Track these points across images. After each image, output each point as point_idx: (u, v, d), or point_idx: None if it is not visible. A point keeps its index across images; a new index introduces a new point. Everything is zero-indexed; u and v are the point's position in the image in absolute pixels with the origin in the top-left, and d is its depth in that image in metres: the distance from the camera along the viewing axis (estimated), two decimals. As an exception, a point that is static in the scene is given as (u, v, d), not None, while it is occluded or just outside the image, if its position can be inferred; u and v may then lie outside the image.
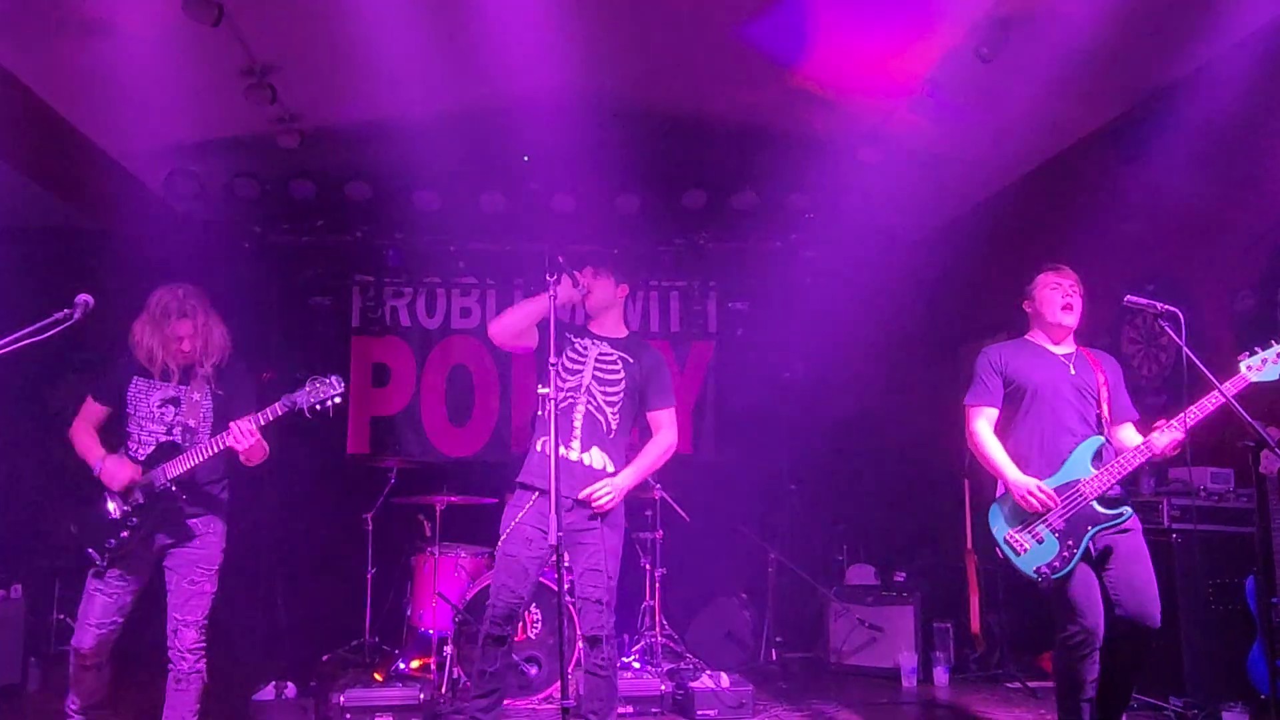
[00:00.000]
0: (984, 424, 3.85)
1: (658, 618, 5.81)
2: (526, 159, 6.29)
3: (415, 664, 5.63)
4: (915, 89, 5.26)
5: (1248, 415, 3.28)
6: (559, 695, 3.43)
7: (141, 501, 3.63)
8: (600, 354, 3.91)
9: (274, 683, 4.61)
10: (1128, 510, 3.63)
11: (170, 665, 3.68)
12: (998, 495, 3.79)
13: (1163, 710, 4.52)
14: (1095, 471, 3.62)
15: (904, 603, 5.96)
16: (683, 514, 5.95)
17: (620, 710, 4.58)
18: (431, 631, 5.43)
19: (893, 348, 7.27)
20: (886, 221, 6.98)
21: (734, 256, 7.35)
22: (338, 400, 3.68)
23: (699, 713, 4.79)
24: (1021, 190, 6.53)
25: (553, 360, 3.55)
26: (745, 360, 7.50)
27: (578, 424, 3.81)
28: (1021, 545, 3.63)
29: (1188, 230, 5.20)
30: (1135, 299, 3.54)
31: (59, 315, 3.03)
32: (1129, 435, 3.79)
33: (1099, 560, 3.60)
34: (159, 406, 3.76)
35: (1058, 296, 3.84)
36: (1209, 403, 3.45)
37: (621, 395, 3.89)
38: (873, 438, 7.43)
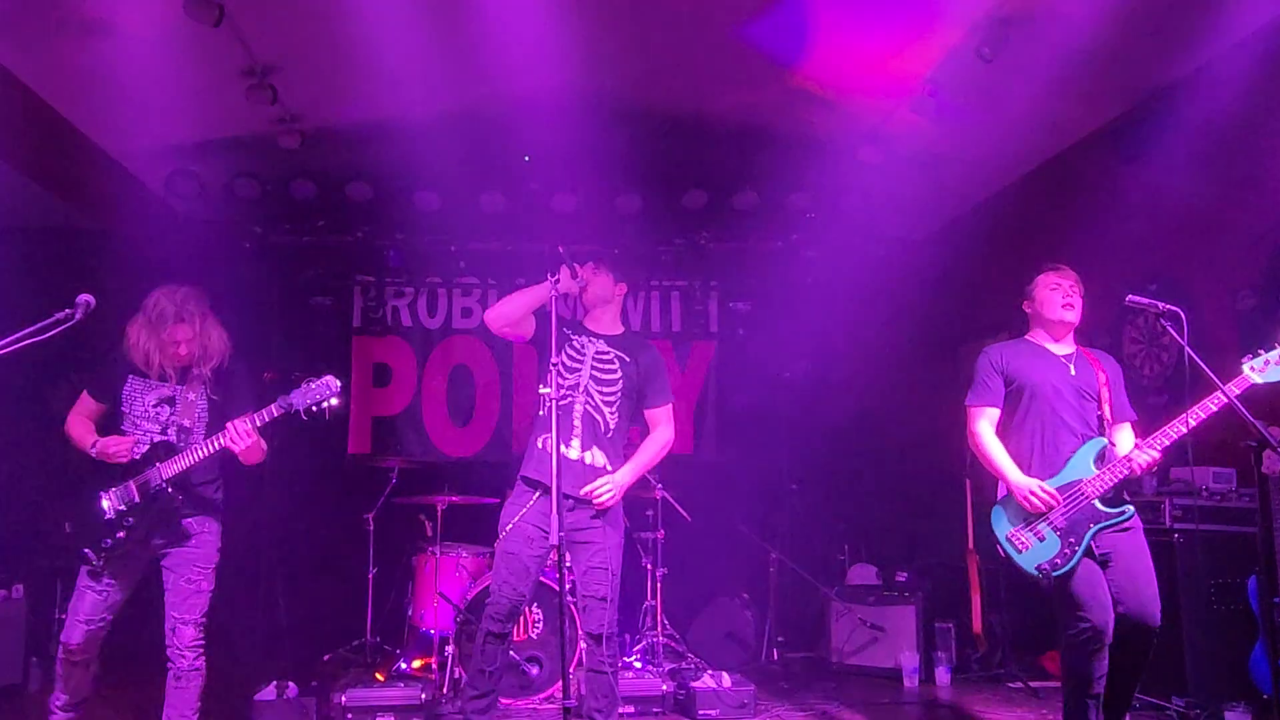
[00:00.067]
0: (985, 425, 3.85)
1: (659, 617, 5.82)
2: (527, 159, 6.29)
3: (417, 664, 5.62)
4: (916, 89, 5.26)
5: (1250, 415, 3.28)
6: (560, 695, 3.42)
7: (137, 501, 3.63)
8: (598, 352, 3.91)
9: (275, 682, 4.60)
10: (1129, 509, 3.64)
11: (169, 664, 3.68)
12: (1000, 497, 3.79)
13: (1165, 710, 4.51)
14: (1097, 472, 3.63)
15: (906, 602, 5.96)
16: (684, 514, 5.95)
17: (622, 710, 4.57)
18: (433, 631, 5.43)
19: (894, 347, 7.27)
20: (887, 221, 6.98)
21: (735, 256, 7.35)
22: (334, 402, 3.68)
23: (701, 713, 4.79)
24: (1022, 190, 6.52)
25: (554, 360, 3.55)
26: (746, 360, 7.50)
27: (577, 423, 3.81)
28: (1023, 543, 3.64)
29: (1189, 230, 5.19)
30: (1137, 299, 3.54)
31: (60, 315, 3.04)
32: (1126, 436, 3.81)
33: (1101, 561, 3.60)
34: (154, 406, 3.76)
35: (1058, 296, 3.84)
36: (1189, 419, 3.45)
37: (619, 395, 3.89)
38: (874, 437, 7.43)
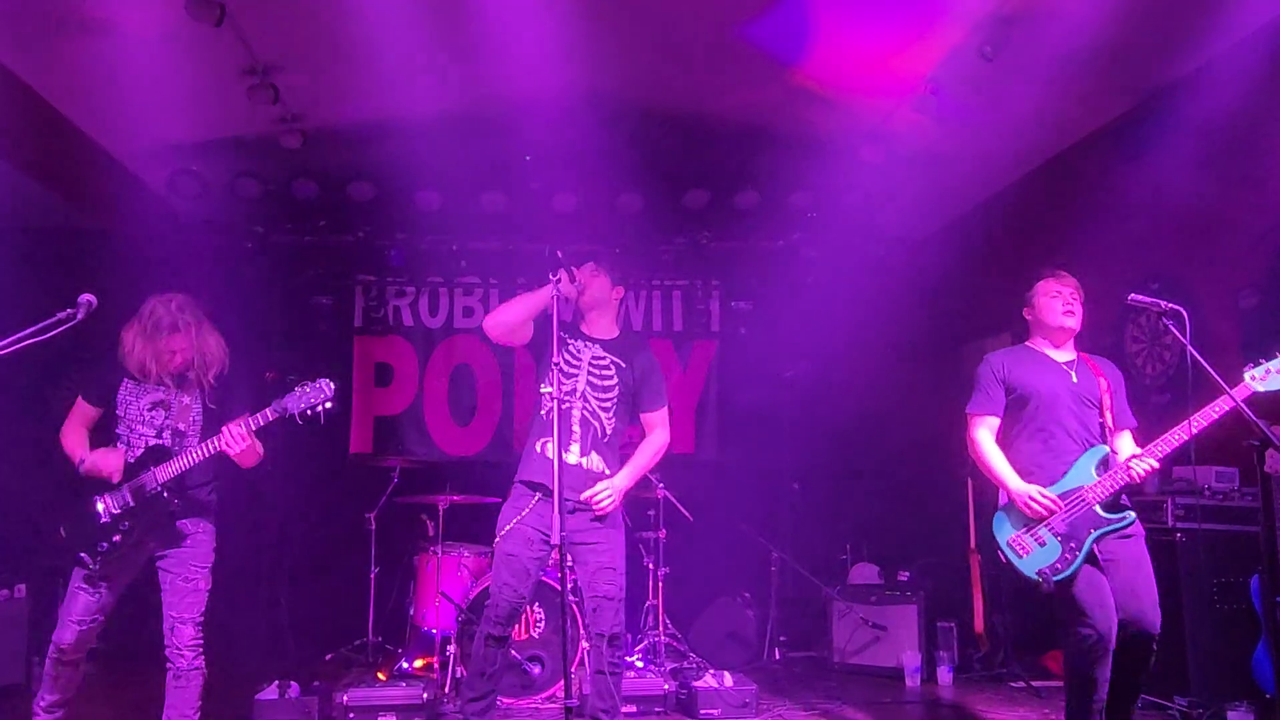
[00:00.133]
0: (985, 433, 3.84)
1: (661, 617, 5.82)
2: (528, 158, 6.29)
3: (418, 663, 5.63)
4: (917, 88, 5.26)
5: (1252, 415, 3.28)
6: (562, 695, 3.42)
7: (132, 505, 3.63)
8: (594, 357, 3.90)
9: (277, 682, 4.60)
10: (1130, 514, 3.63)
11: (169, 663, 3.67)
12: (1002, 504, 3.79)
13: (1167, 710, 4.51)
14: (1098, 478, 3.63)
15: (907, 602, 5.96)
16: (686, 513, 5.95)
17: (624, 709, 4.57)
18: (435, 631, 5.43)
19: (895, 346, 7.26)
20: (888, 220, 6.97)
21: (736, 256, 7.35)
22: (328, 405, 3.67)
23: (702, 712, 4.79)
24: (1023, 189, 6.52)
25: (555, 360, 3.55)
26: (748, 359, 7.49)
27: (576, 428, 3.80)
28: (1024, 549, 3.65)
29: (1190, 229, 5.18)
30: (1139, 298, 3.53)
31: (62, 315, 3.04)
32: (1126, 443, 3.81)
33: (1103, 568, 3.59)
34: (149, 410, 3.76)
35: (1059, 304, 3.83)
36: (1190, 427, 3.45)
37: (616, 399, 3.89)
38: (875, 437, 7.42)
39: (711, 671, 5.09)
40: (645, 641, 5.84)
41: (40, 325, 2.99)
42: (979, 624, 5.78)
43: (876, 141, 5.89)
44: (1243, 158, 4.83)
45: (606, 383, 3.88)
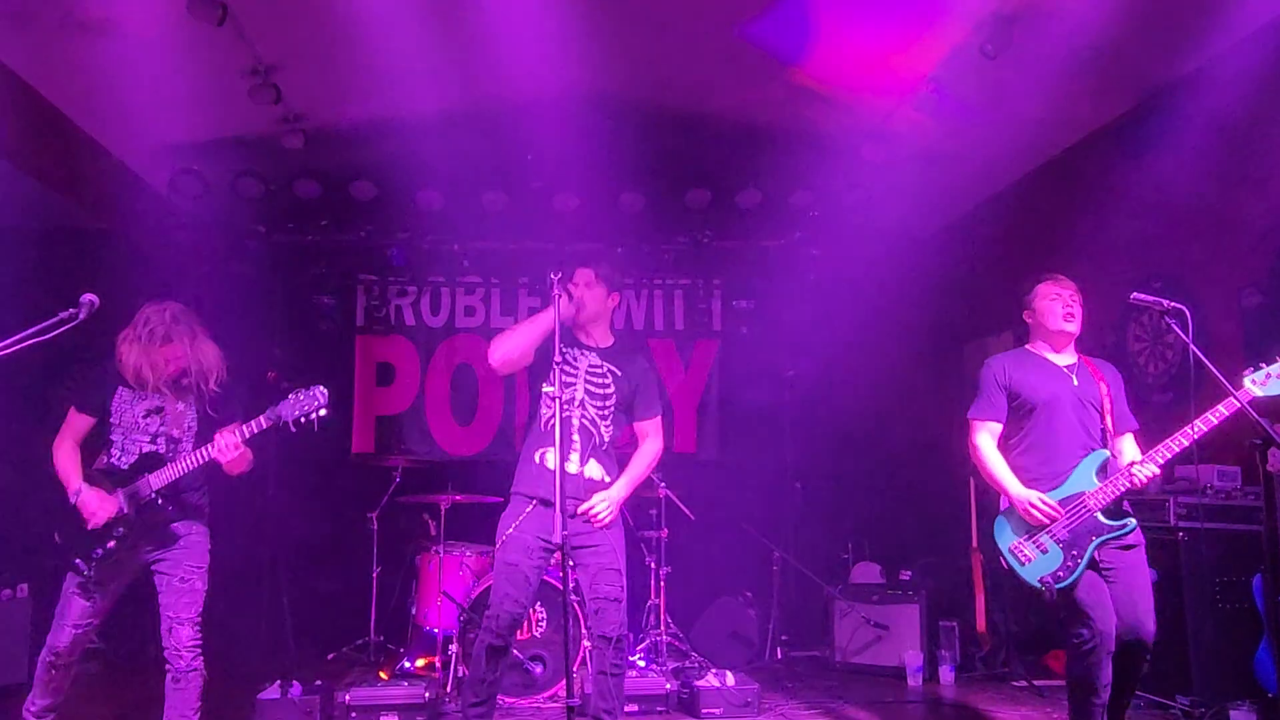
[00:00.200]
0: (987, 438, 3.84)
1: (663, 616, 5.82)
2: (529, 158, 6.29)
3: (420, 663, 5.63)
4: (918, 87, 5.25)
5: (1255, 414, 3.27)
6: (564, 694, 3.42)
7: (126, 511, 3.63)
8: (590, 365, 3.89)
9: (279, 681, 4.60)
10: (1132, 522, 3.63)
11: (167, 665, 3.66)
12: (1003, 508, 3.79)
13: (1170, 709, 4.50)
14: (1100, 484, 3.63)
15: (909, 601, 5.95)
16: (688, 512, 5.96)
17: (626, 709, 4.58)
18: (436, 630, 5.43)
19: (898, 345, 7.26)
20: (890, 219, 6.96)
21: (738, 255, 7.34)
22: (322, 413, 3.68)
23: (704, 711, 4.79)
24: (1026, 188, 6.51)
25: (557, 359, 3.54)
26: (749, 358, 7.49)
27: (575, 436, 3.79)
28: (1026, 556, 3.65)
29: (1194, 227, 5.18)
30: (1141, 296, 3.52)
31: (64, 315, 3.04)
32: (1127, 446, 3.81)
33: (1103, 575, 3.60)
34: (144, 417, 3.75)
35: (1059, 307, 3.83)
36: (1192, 431, 3.45)
37: (613, 407, 3.90)
38: (877, 436, 7.42)
39: (713, 671, 5.09)
40: (647, 641, 5.84)
41: (42, 325, 2.99)
42: (981, 623, 5.78)
43: (878, 140, 5.89)
44: (1245, 156, 4.82)
45: (604, 391, 3.88)
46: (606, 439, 3.88)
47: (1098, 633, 3.50)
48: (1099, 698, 3.54)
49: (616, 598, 3.72)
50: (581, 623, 4.69)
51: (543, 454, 3.79)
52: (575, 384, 3.83)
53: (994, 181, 6.67)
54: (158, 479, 3.64)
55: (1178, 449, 3.52)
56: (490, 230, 6.97)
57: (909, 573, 6.27)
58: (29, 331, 2.97)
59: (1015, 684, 5.57)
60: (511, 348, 3.79)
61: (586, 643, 4.44)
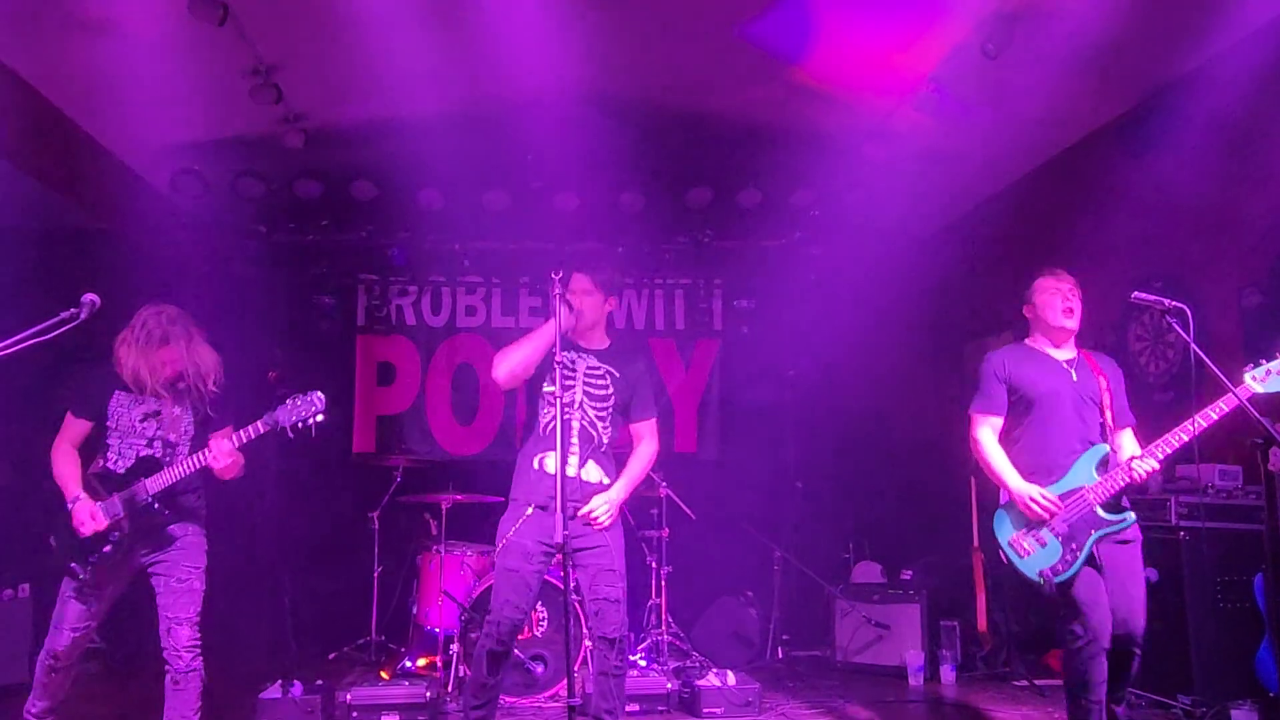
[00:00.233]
0: (987, 432, 3.85)
1: (664, 616, 5.82)
2: (530, 158, 6.29)
3: (421, 662, 5.64)
4: (919, 86, 5.25)
5: (1256, 413, 3.27)
6: (565, 693, 3.42)
7: (123, 515, 3.63)
8: (588, 368, 3.90)
9: (280, 681, 4.61)
10: (1130, 516, 3.64)
11: (166, 666, 3.66)
12: (1003, 502, 3.80)
13: (1171, 708, 4.50)
14: (1099, 479, 3.64)
15: (910, 601, 5.95)
16: (689, 512, 5.96)
17: (627, 708, 4.58)
18: (438, 630, 5.43)
19: (899, 344, 7.26)
20: (892, 218, 6.96)
21: (738, 254, 7.34)
22: (320, 418, 3.68)
23: (705, 711, 4.79)
24: (1027, 187, 6.51)
25: (559, 358, 3.54)
26: (750, 358, 7.49)
27: (574, 439, 3.79)
28: (1025, 549, 3.67)
29: (1194, 227, 5.18)
30: (1142, 295, 3.53)
31: (65, 315, 3.04)
32: (1127, 441, 3.82)
33: (1100, 570, 3.62)
34: (140, 421, 3.76)
35: (1058, 301, 3.83)
36: (1191, 427, 3.46)
37: (611, 409, 3.90)
38: (879, 435, 7.42)
39: (714, 670, 5.09)
40: (648, 640, 5.84)
41: (44, 325, 2.99)
42: (982, 622, 5.78)
43: (879, 140, 5.88)
44: (1246, 156, 4.82)
45: (603, 392, 3.88)
46: (605, 441, 3.89)
47: (1092, 629, 3.53)
48: (1095, 694, 3.56)
49: (616, 599, 3.72)
50: (583, 623, 4.69)
51: (541, 459, 3.80)
52: (574, 386, 3.83)
53: (995, 181, 6.66)
54: (154, 483, 3.64)
55: (1177, 444, 3.53)
56: (491, 230, 6.97)
57: (910, 572, 6.28)
58: (30, 331, 2.97)
59: (1016, 683, 5.57)
60: (517, 363, 3.79)
61: (588, 642, 4.44)
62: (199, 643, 3.70)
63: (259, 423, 3.65)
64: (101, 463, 3.74)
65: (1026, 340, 3.98)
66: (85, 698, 4.94)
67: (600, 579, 3.74)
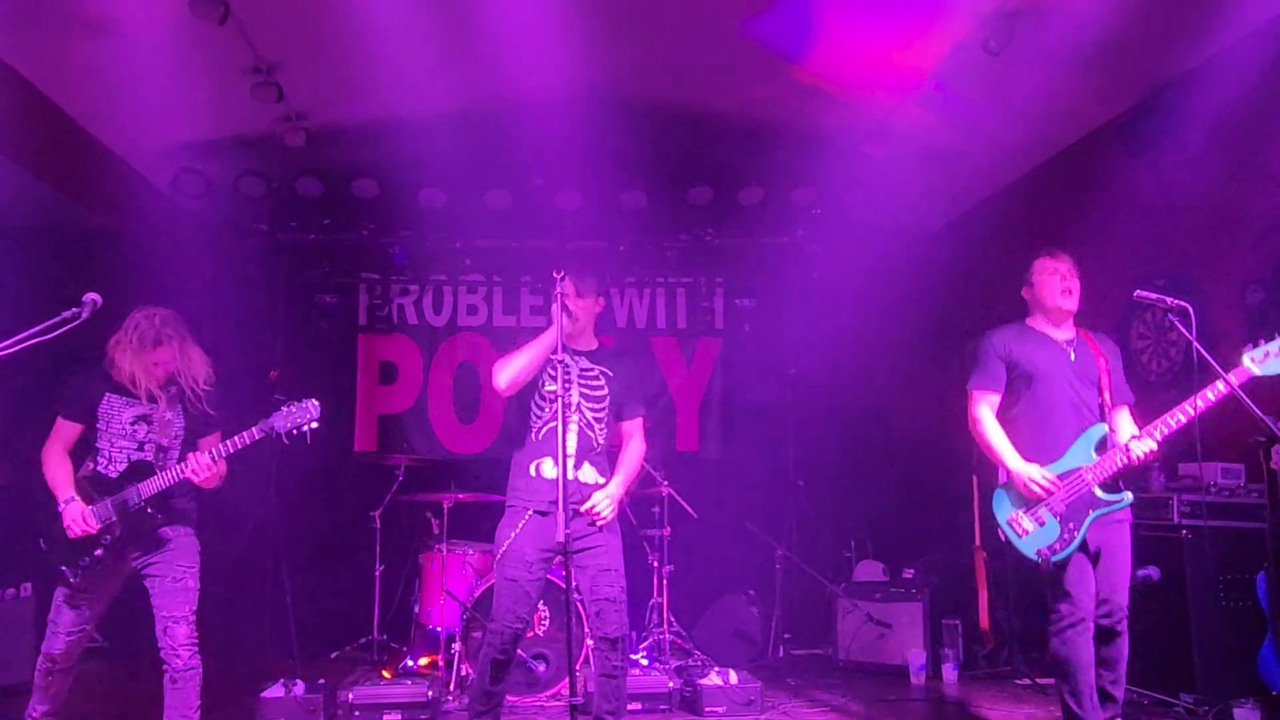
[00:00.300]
0: (986, 410, 3.89)
1: (665, 614, 5.82)
2: (532, 156, 6.28)
3: (423, 661, 5.64)
4: (921, 83, 5.25)
5: (1258, 410, 3.27)
6: (567, 692, 3.42)
7: (114, 520, 3.63)
8: (582, 370, 3.89)
9: (282, 680, 4.61)
10: (1128, 496, 3.69)
11: (165, 665, 3.65)
12: (1001, 481, 3.84)
13: (1173, 706, 4.50)
14: (1098, 459, 3.67)
15: (913, 599, 5.95)
16: (690, 510, 5.95)
17: (629, 707, 4.57)
18: (439, 629, 5.43)
19: (900, 343, 7.25)
20: (893, 217, 6.96)
21: (740, 252, 7.34)
22: (314, 426, 3.68)
23: (707, 709, 4.79)
24: (1029, 185, 6.50)
25: (560, 357, 3.54)
26: (752, 356, 7.49)
27: (571, 441, 3.78)
28: (1023, 528, 3.71)
29: (1197, 224, 5.17)
30: (1145, 293, 3.54)
31: (67, 314, 3.04)
32: (1125, 420, 3.85)
33: (1090, 552, 3.68)
34: (131, 424, 3.75)
35: (1056, 281, 3.87)
36: (1189, 408, 3.48)
37: (606, 409, 3.91)
38: (881, 433, 7.41)
39: (716, 669, 5.08)
40: (650, 639, 5.84)
41: (45, 324, 3.00)
42: (984, 621, 5.78)
43: (880, 137, 5.88)
44: (1248, 153, 4.81)
45: (598, 392, 3.89)
46: (602, 441, 3.90)
47: (1077, 610, 3.60)
48: (1084, 676, 3.61)
49: (616, 598, 3.73)
50: (584, 622, 4.69)
51: (538, 465, 3.79)
52: (570, 388, 3.82)
53: (996, 179, 6.66)
54: (146, 488, 3.64)
55: (1175, 425, 3.54)
56: (492, 229, 6.98)
57: (912, 570, 6.27)
58: (32, 331, 2.98)
59: (1018, 682, 5.56)
60: (519, 370, 3.78)
61: (589, 641, 4.44)
62: (196, 640, 3.69)
63: (254, 429, 3.66)
64: (92, 466, 3.73)
65: (1027, 320, 4.02)
66: (86, 696, 4.93)
67: (600, 579, 3.75)
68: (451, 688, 5.07)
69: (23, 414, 6.49)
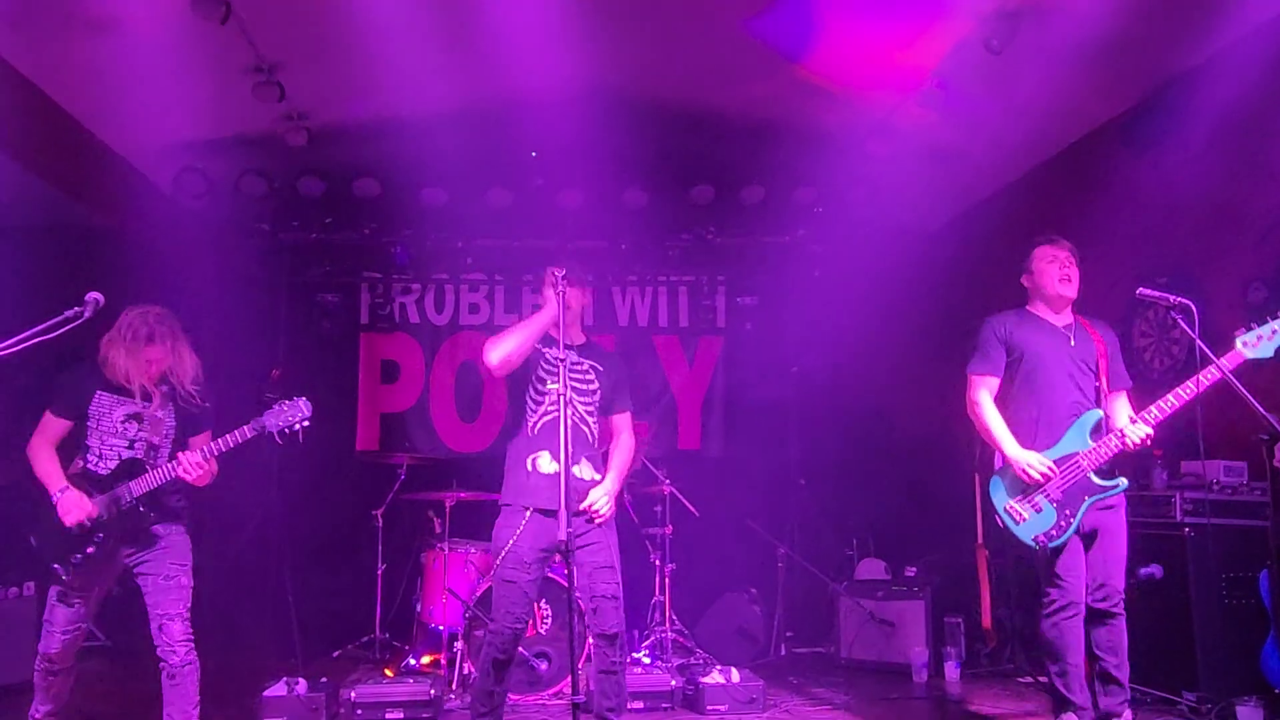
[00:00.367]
0: (985, 394, 3.93)
1: (668, 613, 5.82)
2: (534, 155, 6.29)
3: (426, 660, 5.64)
4: (923, 82, 5.24)
5: (1260, 407, 3.27)
6: (569, 691, 3.42)
7: (106, 518, 3.63)
8: (572, 363, 3.88)
9: (285, 679, 4.60)
10: (1123, 481, 3.73)
11: (162, 662, 3.66)
12: (998, 468, 3.87)
13: (1176, 705, 4.49)
14: (1093, 444, 3.71)
15: (915, 597, 5.95)
16: (692, 509, 5.95)
17: (631, 706, 4.57)
18: (442, 627, 5.44)
19: (902, 341, 7.25)
20: (895, 215, 6.96)
21: (742, 251, 7.34)
22: (306, 424, 3.68)
23: (709, 708, 4.79)
24: (1032, 183, 6.49)
25: (561, 355, 3.54)
26: (754, 355, 7.49)
27: (562, 428, 3.76)
28: (1020, 515, 3.74)
29: (1200, 222, 5.16)
30: (1148, 291, 3.55)
31: (69, 313, 3.05)
32: (1122, 405, 3.89)
33: (1085, 536, 3.74)
34: (122, 422, 3.75)
35: (1055, 269, 3.91)
36: (1183, 392, 3.52)
37: (598, 403, 3.91)
38: (883, 431, 7.41)
39: (718, 667, 5.08)
40: (652, 637, 5.83)
41: (48, 324, 3.00)
42: (986, 619, 5.77)
43: (882, 136, 5.88)
44: (1252, 151, 4.80)
45: (589, 387, 3.89)
46: (595, 435, 3.91)
47: (1068, 595, 3.67)
48: (1073, 658, 3.67)
49: (613, 595, 3.73)
50: (587, 621, 4.69)
51: (534, 460, 3.78)
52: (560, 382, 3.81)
53: (999, 177, 6.65)
54: (138, 485, 3.64)
55: (1169, 410, 3.57)
56: (494, 227, 6.98)
57: (914, 569, 6.26)
58: (35, 330, 2.98)
59: (1021, 680, 5.56)
60: (512, 348, 3.75)
61: (591, 639, 4.44)
62: (192, 636, 3.69)
63: (245, 428, 3.66)
64: (81, 464, 3.73)
65: (1026, 307, 4.05)
66: (89, 696, 4.94)
67: (597, 576, 3.75)
68: (454, 686, 5.08)
69: (25, 413, 6.48)
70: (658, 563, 5.92)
